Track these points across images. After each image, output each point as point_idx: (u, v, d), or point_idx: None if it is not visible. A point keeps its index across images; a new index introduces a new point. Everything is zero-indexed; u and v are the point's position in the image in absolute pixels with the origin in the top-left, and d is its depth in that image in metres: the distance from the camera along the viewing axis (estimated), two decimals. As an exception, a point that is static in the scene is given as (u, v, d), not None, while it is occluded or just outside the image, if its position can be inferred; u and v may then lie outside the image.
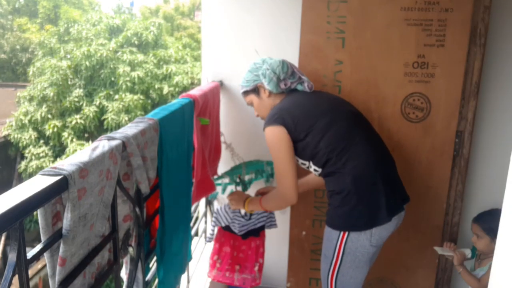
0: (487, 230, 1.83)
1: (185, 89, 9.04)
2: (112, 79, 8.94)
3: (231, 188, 2.06)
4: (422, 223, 2.04)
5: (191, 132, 1.54)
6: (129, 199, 1.09)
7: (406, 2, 1.82)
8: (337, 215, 1.51)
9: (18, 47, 13.37)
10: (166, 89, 9.19)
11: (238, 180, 2.01)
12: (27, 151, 8.61)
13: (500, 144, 1.99)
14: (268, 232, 2.01)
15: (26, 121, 8.71)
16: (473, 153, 2.01)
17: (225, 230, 1.93)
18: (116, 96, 8.74)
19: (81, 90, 8.94)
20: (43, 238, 0.77)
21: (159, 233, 1.28)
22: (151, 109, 6.97)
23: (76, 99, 8.77)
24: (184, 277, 1.70)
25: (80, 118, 8.57)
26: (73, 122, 8.54)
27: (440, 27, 1.82)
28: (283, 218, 2.15)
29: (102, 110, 8.75)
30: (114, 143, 0.93)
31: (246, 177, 2.03)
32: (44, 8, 13.16)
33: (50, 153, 8.64)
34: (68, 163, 0.77)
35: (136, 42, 9.69)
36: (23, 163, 8.66)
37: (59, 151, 8.74)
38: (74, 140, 8.47)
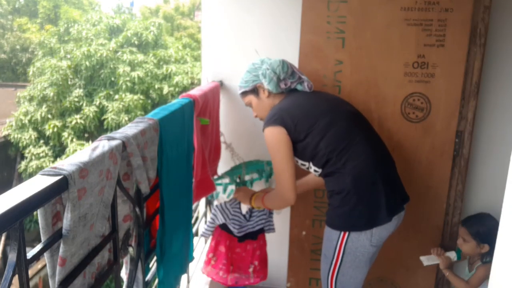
0: (474, 234, 1.84)
1: (185, 89, 9.04)
2: (112, 79, 8.94)
3: (231, 188, 2.06)
4: (422, 223, 2.04)
5: (191, 132, 1.54)
6: (129, 199, 1.09)
7: (406, 2, 1.83)
8: (337, 215, 1.51)
9: (18, 47, 13.37)
10: (166, 89, 9.19)
11: (238, 180, 2.01)
12: (27, 151, 8.61)
13: (500, 144, 1.99)
14: (268, 232, 2.01)
15: (26, 121, 8.71)
16: (473, 153, 2.01)
17: (223, 229, 1.93)
18: (116, 96, 8.73)
19: (81, 90, 8.94)
20: (43, 238, 0.77)
21: (159, 233, 1.28)
22: (151, 109, 6.96)
23: (76, 99, 8.77)
24: (184, 277, 1.70)
25: (80, 118, 8.57)
26: (73, 122, 8.53)
27: (440, 27, 1.82)
28: (283, 218, 2.15)
29: (102, 110, 8.74)
30: (114, 143, 0.93)
31: (247, 177, 2.03)
32: (44, 8, 13.16)
33: (50, 153, 8.63)
34: (68, 163, 0.77)
35: (136, 42, 9.69)
36: (23, 163, 8.66)
37: (59, 151, 8.74)
38: (74, 140, 8.47)
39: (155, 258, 1.34)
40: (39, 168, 8.19)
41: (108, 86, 8.97)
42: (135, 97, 8.72)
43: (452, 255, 1.93)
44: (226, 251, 1.91)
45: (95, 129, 8.76)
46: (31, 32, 13.38)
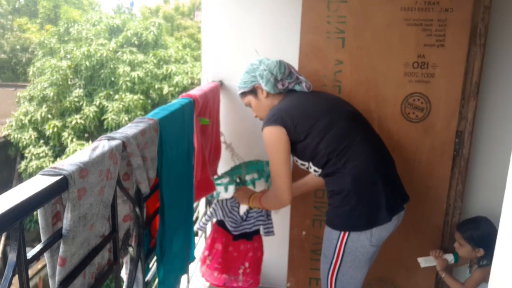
0: (468, 239, 1.84)
1: (185, 89, 9.04)
2: (112, 79, 8.94)
3: (232, 188, 2.06)
4: (422, 223, 2.04)
5: (191, 132, 1.54)
6: (129, 199, 1.09)
7: (406, 2, 1.82)
8: (337, 215, 1.51)
9: (18, 47, 13.37)
10: (166, 89, 9.20)
11: (238, 180, 2.01)
12: (27, 151, 8.61)
13: (500, 144, 1.99)
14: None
15: (26, 121, 8.71)
16: (473, 153, 2.01)
17: (220, 226, 1.92)
18: (116, 96, 8.74)
19: (81, 90, 8.95)
20: (43, 238, 0.77)
21: (159, 233, 1.28)
22: (151, 109, 6.96)
23: (76, 99, 8.77)
24: (184, 277, 1.70)
25: (80, 118, 8.57)
26: (73, 122, 8.54)
27: (440, 27, 1.82)
28: (283, 218, 2.15)
29: (102, 110, 8.75)
30: (114, 143, 0.93)
31: (247, 177, 2.02)
32: (44, 8, 13.16)
33: (50, 153, 8.64)
34: (68, 163, 0.77)
35: (136, 42, 9.69)
36: (23, 163, 8.66)
37: (59, 151, 8.74)
38: (74, 140, 8.47)
39: (155, 258, 1.34)
40: (39, 168, 8.19)
41: (108, 86, 8.98)
42: (135, 97, 8.72)
43: (450, 257, 1.94)
44: (223, 249, 1.91)
45: (95, 129, 8.77)
46: (31, 32, 13.38)
